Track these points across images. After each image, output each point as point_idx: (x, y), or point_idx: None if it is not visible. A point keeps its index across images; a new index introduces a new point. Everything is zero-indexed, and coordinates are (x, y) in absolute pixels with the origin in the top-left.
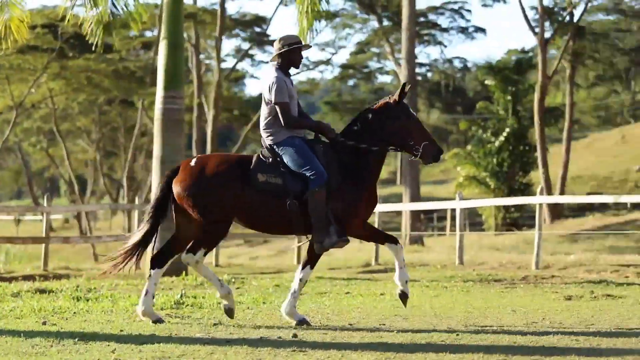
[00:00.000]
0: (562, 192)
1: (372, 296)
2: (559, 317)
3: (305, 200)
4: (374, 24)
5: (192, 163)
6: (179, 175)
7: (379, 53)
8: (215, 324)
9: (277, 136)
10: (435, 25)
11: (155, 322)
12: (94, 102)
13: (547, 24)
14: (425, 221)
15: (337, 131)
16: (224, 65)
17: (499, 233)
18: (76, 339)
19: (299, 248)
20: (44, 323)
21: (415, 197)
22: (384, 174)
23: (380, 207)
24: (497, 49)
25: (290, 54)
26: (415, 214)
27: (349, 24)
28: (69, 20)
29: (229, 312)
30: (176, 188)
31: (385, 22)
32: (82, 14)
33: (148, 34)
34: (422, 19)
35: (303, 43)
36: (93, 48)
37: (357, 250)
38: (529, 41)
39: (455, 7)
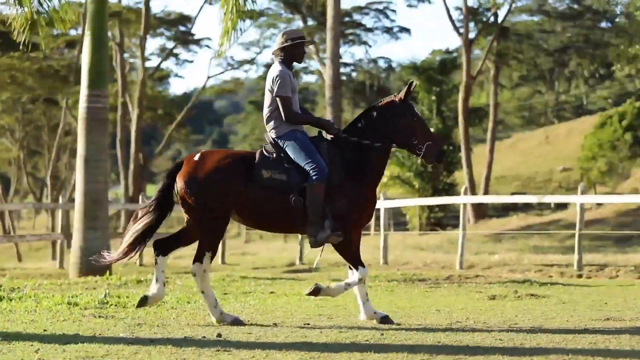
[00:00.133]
0: (486, 192)
1: (296, 296)
2: (483, 316)
3: None
4: (299, 23)
5: (196, 157)
6: (182, 169)
7: None
8: (139, 324)
9: (280, 129)
10: (360, 25)
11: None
12: (18, 101)
13: (471, 24)
14: None
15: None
16: (148, 64)
17: (424, 233)
18: None
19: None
20: None
21: None
22: None
23: None
24: (422, 49)
25: (294, 49)
26: None
27: (273, 24)
28: None
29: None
30: (179, 182)
31: (310, 22)
32: (7, 11)
33: (72, 32)
34: (347, 19)
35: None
36: (20, 47)
37: (282, 249)
38: (454, 41)
39: (380, 7)
